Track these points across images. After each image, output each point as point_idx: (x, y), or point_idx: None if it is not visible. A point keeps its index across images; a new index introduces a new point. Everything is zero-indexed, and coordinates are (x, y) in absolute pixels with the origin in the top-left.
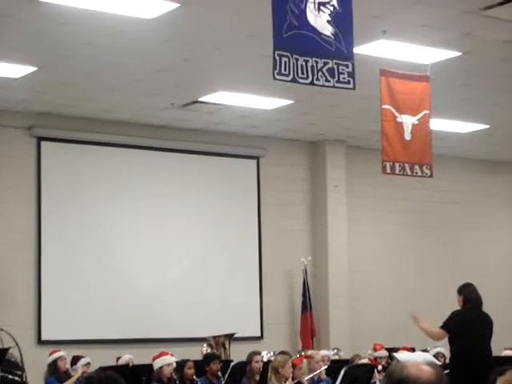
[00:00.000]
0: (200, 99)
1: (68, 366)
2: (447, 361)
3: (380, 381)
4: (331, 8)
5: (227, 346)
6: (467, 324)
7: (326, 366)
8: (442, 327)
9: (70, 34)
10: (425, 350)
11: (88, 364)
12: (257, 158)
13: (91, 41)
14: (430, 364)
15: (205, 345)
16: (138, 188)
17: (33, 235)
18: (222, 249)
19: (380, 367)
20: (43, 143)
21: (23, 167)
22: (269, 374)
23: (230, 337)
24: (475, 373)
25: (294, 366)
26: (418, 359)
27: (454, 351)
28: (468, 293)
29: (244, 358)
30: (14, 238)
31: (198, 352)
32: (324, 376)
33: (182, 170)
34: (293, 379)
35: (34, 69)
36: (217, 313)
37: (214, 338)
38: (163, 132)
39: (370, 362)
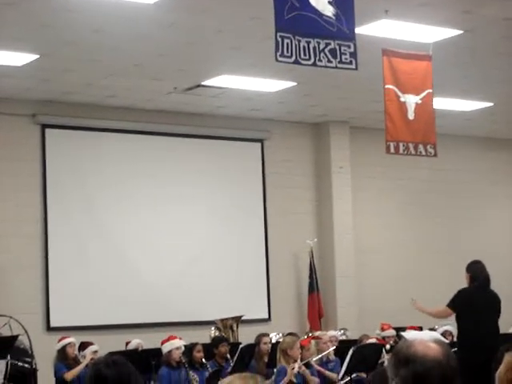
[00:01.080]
0: (203, 83)
1: (76, 352)
2: (455, 339)
3: (388, 360)
4: None
5: (235, 329)
6: (473, 302)
7: (334, 347)
8: (448, 305)
9: (71, 21)
10: (432, 329)
11: (96, 352)
12: (261, 140)
13: (93, 27)
14: (437, 342)
15: (213, 328)
16: (142, 173)
17: (39, 223)
18: (228, 232)
19: (388, 346)
20: (47, 130)
21: (28, 155)
22: (277, 356)
23: (238, 319)
24: (483, 350)
25: (302, 347)
26: (425, 337)
27: (462, 329)
28: (475, 270)
29: (252, 341)
30: (20, 226)
31: (206, 335)
32: (332, 357)
33: (185, 154)
34: (301, 360)
35: (37, 56)
36: (224, 296)
37: (222, 320)
38: (167, 117)
39: (377, 342)
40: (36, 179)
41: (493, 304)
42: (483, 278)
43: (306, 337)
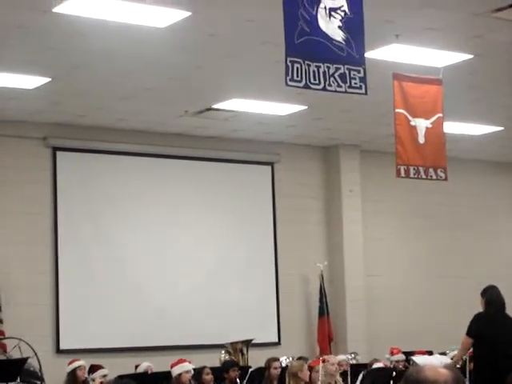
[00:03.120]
0: (214, 106)
1: (86, 375)
2: (467, 364)
3: None
4: (342, 14)
5: (245, 352)
6: (489, 327)
7: (341, 371)
8: (467, 334)
9: (83, 45)
10: (443, 353)
11: (105, 376)
12: (271, 163)
13: (104, 50)
14: (448, 367)
15: (223, 351)
16: (153, 196)
17: (49, 246)
18: (238, 255)
19: (394, 373)
20: (58, 153)
21: (39, 178)
22: (287, 380)
23: (248, 343)
24: (498, 376)
25: (310, 368)
26: (436, 363)
27: (477, 354)
28: (490, 295)
29: (262, 364)
30: (31, 248)
31: (216, 359)
32: (341, 383)
33: (196, 177)
34: (310, 382)
35: (48, 79)
36: (234, 319)
37: (232, 344)
38: (177, 140)
39: (385, 366)
40: (47, 202)
41: (509, 329)
42: (499, 303)
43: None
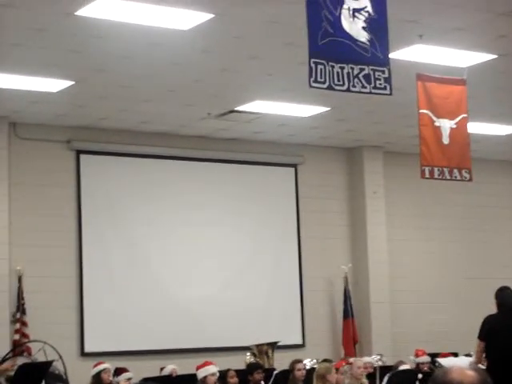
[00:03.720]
0: (237, 109)
1: (111, 378)
2: None
3: None
4: (366, 14)
5: (270, 355)
6: (497, 329)
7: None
8: (479, 337)
9: (106, 48)
10: (468, 355)
11: (130, 379)
12: (295, 165)
13: (128, 53)
14: (475, 369)
15: (248, 354)
16: (176, 198)
17: (74, 248)
18: (262, 257)
19: (420, 375)
20: (82, 156)
21: (63, 181)
22: (314, 382)
23: (273, 345)
24: (509, 379)
25: (335, 370)
26: (462, 364)
27: (488, 355)
28: (502, 297)
29: (286, 367)
30: (55, 251)
31: (241, 361)
32: None
33: (220, 179)
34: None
35: (72, 83)
36: (258, 321)
37: (257, 346)
38: (200, 142)
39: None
40: (71, 205)
41: None
42: (509, 303)
43: None
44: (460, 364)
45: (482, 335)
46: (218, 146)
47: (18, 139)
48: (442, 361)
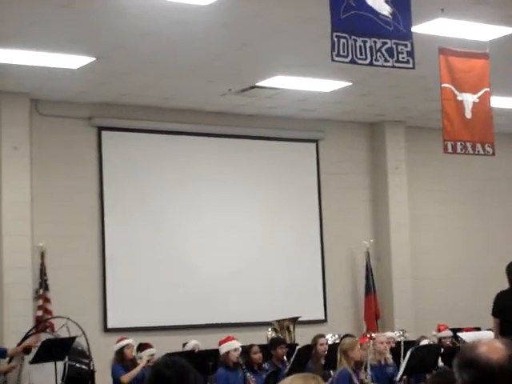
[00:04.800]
0: (258, 84)
1: (134, 353)
2: None
3: (454, 361)
4: None
5: (291, 330)
6: (506, 304)
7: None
8: (492, 314)
9: (127, 24)
10: (490, 329)
11: (153, 355)
12: (316, 141)
13: (148, 29)
14: (505, 343)
15: (269, 329)
16: (198, 174)
17: (96, 224)
18: (284, 233)
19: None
20: (103, 133)
21: (84, 157)
22: (338, 357)
23: (294, 320)
24: None
25: (360, 345)
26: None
27: (501, 334)
28: (511, 272)
29: (308, 342)
30: (77, 227)
31: (262, 336)
32: (391, 361)
33: (240, 155)
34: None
35: (93, 59)
36: (280, 297)
37: (279, 321)
38: (222, 118)
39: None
40: (93, 181)
41: None
42: None
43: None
44: (481, 339)
45: (495, 311)
46: (239, 122)
47: (39, 116)
48: (464, 335)
